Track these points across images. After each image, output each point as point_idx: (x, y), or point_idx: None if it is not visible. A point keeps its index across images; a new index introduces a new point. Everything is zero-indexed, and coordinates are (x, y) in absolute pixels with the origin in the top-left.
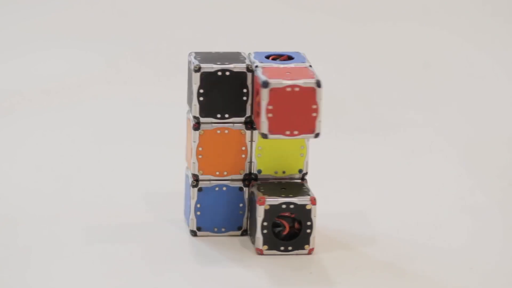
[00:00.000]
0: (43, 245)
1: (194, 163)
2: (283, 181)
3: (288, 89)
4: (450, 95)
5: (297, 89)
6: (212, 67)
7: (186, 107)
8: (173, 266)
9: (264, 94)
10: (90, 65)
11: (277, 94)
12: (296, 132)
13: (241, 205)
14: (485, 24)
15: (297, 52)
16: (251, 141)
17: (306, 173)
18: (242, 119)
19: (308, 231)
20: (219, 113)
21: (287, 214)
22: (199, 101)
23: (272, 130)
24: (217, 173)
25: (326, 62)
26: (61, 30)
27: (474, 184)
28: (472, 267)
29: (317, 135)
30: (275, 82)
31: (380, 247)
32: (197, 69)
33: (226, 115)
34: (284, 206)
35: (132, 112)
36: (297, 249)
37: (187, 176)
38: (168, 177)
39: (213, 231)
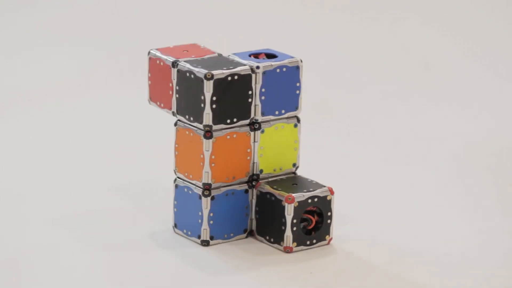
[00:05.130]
0: (43, 249)
1: (207, 172)
2: (284, 177)
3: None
4: (450, 95)
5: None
6: (223, 73)
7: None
8: (185, 278)
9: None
10: (88, 66)
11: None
12: None
13: (246, 207)
14: (484, 25)
15: (268, 48)
16: (255, 142)
17: (298, 167)
18: (247, 121)
19: (329, 221)
20: (228, 118)
21: (310, 208)
22: (212, 109)
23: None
24: (227, 178)
25: (324, 62)
26: (60, 30)
27: (473, 184)
28: (472, 267)
29: None
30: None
31: (380, 247)
32: (210, 77)
33: (235, 119)
34: (309, 201)
35: (131, 113)
36: (320, 241)
37: (185, 187)
38: (163, 182)
39: (224, 238)
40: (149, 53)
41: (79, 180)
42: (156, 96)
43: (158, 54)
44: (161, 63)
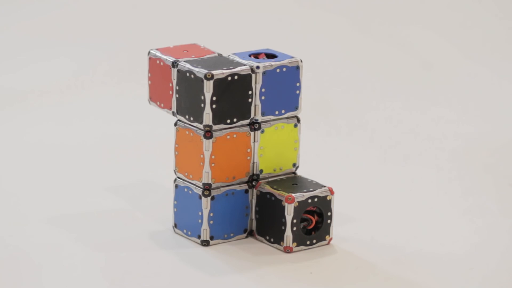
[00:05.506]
0: (42, 250)
1: (207, 172)
2: (284, 177)
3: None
4: (450, 95)
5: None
6: (223, 73)
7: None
8: (185, 278)
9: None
10: (88, 66)
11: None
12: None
13: (246, 207)
14: (485, 25)
15: (267, 48)
16: (255, 142)
17: (298, 167)
18: (247, 121)
19: (329, 221)
20: (228, 118)
21: (310, 208)
22: (212, 109)
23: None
24: (227, 178)
25: (323, 62)
26: (59, 31)
27: (474, 184)
28: (472, 267)
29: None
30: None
31: (380, 247)
32: (210, 77)
33: (235, 119)
34: (309, 200)
35: (130, 113)
36: (320, 241)
37: (185, 187)
38: (163, 182)
39: (224, 238)
40: (149, 53)
41: (79, 180)
42: (156, 96)
43: (158, 54)
44: (161, 63)
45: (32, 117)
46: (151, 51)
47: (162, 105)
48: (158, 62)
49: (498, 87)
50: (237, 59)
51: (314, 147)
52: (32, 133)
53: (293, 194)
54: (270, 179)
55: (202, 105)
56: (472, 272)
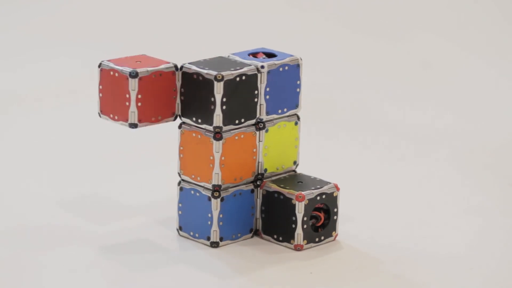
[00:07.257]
0: (43, 252)
1: (217, 173)
2: (287, 175)
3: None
4: (450, 94)
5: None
6: (232, 74)
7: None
8: (197, 281)
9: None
10: (87, 67)
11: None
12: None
13: (252, 207)
14: (485, 24)
15: (263, 47)
16: (260, 141)
17: (298, 164)
18: (253, 121)
19: (335, 217)
20: (237, 119)
21: (318, 205)
22: (222, 110)
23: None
24: (235, 179)
25: (321, 61)
26: (59, 31)
27: (474, 184)
28: (472, 267)
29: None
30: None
31: (380, 247)
32: (220, 78)
33: (242, 120)
34: (318, 198)
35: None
36: (327, 238)
37: (192, 190)
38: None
39: (232, 238)
40: (100, 64)
41: (78, 181)
42: (109, 108)
43: (111, 65)
44: (116, 74)
45: (32, 118)
46: (103, 62)
47: (116, 117)
48: (112, 73)
49: (498, 87)
50: (238, 59)
51: (312, 145)
52: (31, 133)
53: (303, 192)
54: (273, 178)
55: (212, 106)
56: (472, 272)
